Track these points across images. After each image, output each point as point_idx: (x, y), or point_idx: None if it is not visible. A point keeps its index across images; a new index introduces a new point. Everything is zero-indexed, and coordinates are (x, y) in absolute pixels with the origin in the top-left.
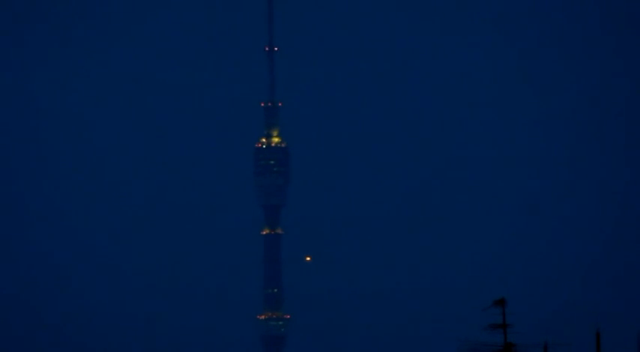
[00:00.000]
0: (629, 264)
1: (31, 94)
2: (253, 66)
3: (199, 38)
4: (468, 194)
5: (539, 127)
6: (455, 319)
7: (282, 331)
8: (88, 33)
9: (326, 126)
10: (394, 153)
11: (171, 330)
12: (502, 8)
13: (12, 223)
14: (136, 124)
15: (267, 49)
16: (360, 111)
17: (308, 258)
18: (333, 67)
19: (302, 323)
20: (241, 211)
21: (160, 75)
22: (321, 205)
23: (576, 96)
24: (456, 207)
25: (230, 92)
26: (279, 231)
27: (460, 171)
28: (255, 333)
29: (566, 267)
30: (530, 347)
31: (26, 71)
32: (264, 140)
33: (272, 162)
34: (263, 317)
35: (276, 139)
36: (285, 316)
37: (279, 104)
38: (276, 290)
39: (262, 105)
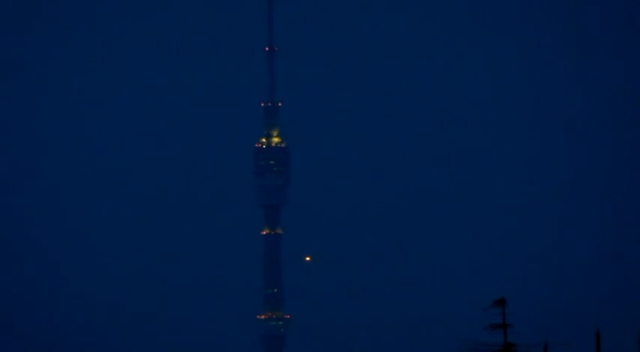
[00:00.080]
0: (629, 263)
1: (31, 94)
2: (253, 66)
3: (199, 38)
4: (468, 194)
5: (539, 127)
6: (455, 319)
7: (282, 331)
8: (87, 33)
9: (326, 126)
10: (394, 153)
11: (170, 330)
12: (502, 8)
13: (12, 223)
14: (136, 124)
15: (267, 49)
16: (360, 111)
17: (308, 258)
18: (333, 67)
19: (302, 323)
20: (241, 211)
21: (159, 75)
22: (321, 205)
23: (576, 96)
24: (456, 206)
25: (230, 92)
26: (279, 231)
27: (460, 171)
28: (255, 333)
29: (566, 267)
30: (530, 347)
31: (26, 71)
32: (264, 140)
33: (272, 162)
34: (263, 317)
35: (276, 139)
36: (285, 316)
37: (279, 104)
38: (276, 290)
39: (262, 105)
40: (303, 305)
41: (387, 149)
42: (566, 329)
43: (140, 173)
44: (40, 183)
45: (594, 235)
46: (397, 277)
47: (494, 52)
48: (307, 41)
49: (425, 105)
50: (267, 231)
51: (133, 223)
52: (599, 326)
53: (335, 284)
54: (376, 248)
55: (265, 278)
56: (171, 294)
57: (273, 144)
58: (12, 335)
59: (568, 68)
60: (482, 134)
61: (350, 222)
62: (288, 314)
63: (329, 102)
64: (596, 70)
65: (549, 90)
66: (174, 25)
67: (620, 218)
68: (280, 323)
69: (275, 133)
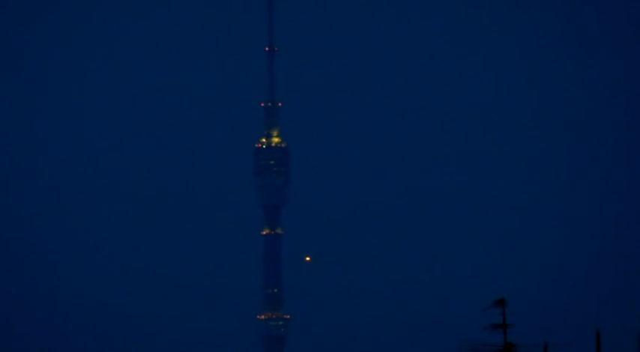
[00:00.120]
0: (629, 263)
1: (31, 94)
2: (253, 66)
3: (199, 38)
4: (468, 194)
5: (539, 127)
6: (455, 319)
7: (282, 331)
8: (87, 33)
9: (326, 126)
10: (394, 153)
11: (171, 330)
12: (502, 9)
13: (12, 223)
14: (136, 124)
15: (267, 49)
16: (360, 111)
17: (308, 258)
18: (333, 67)
19: (302, 323)
20: (241, 211)
21: (159, 75)
22: (321, 205)
23: (576, 96)
24: (456, 206)
25: (230, 92)
26: (279, 231)
27: (460, 171)
28: (255, 333)
29: (566, 267)
30: (530, 347)
31: (26, 71)
32: (264, 140)
33: (272, 162)
34: (263, 317)
35: (276, 139)
36: (285, 316)
37: (279, 104)
38: (276, 290)
39: (262, 105)
40: (303, 305)
41: (387, 149)
42: (566, 329)
43: (140, 173)
44: (40, 183)
45: (594, 235)
46: (397, 277)
47: (494, 52)
48: (307, 41)
49: (425, 105)
50: (267, 231)
51: (133, 223)
52: (599, 326)
53: (335, 284)
54: (376, 248)
55: (265, 278)
56: (171, 294)
57: (273, 144)
58: (12, 335)
59: (568, 68)
60: (482, 134)
61: (350, 222)
62: (288, 314)
63: (329, 102)
64: (596, 70)
65: (549, 90)
66: (174, 25)
67: (620, 218)
68: (280, 323)
69: (275, 133)
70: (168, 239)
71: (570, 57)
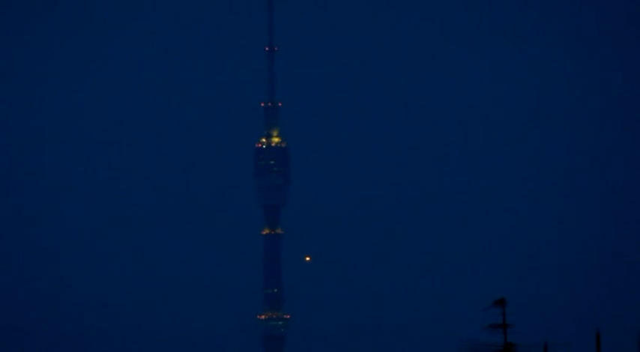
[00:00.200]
0: (629, 263)
1: (31, 93)
2: (253, 66)
3: (199, 38)
4: (468, 194)
5: (539, 127)
6: (455, 319)
7: (282, 331)
8: (87, 33)
9: (326, 126)
10: (394, 153)
11: (171, 330)
12: (502, 9)
13: (12, 223)
14: (136, 124)
15: (267, 49)
16: (359, 111)
17: (308, 258)
18: (333, 67)
19: (302, 323)
20: (241, 211)
21: (159, 75)
22: (321, 205)
23: (576, 96)
24: (455, 206)
25: (230, 92)
26: (279, 231)
27: (460, 171)
28: (255, 333)
29: (566, 267)
30: (530, 347)
31: (26, 71)
32: (264, 140)
33: (272, 162)
34: (263, 317)
35: (276, 139)
36: (285, 316)
37: (279, 104)
38: (276, 290)
39: (262, 105)
40: (303, 305)
41: (387, 149)
42: (566, 329)
43: (140, 173)
44: (40, 183)
45: (594, 235)
46: (397, 277)
47: (494, 52)
48: (307, 41)
49: (425, 105)
50: (267, 231)
51: (134, 223)
52: (599, 326)
53: (335, 285)
54: (376, 248)
55: (265, 278)
56: (172, 294)
57: (273, 144)
58: (12, 335)
59: (568, 68)
60: (482, 134)
61: (350, 222)
62: (288, 314)
63: (329, 102)
64: (596, 70)
65: (549, 90)
66: (174, 25)
67: (620, 218)
68: (280, 323)
69: (275, 133)
70: (168, 239)
71: (570, 57)
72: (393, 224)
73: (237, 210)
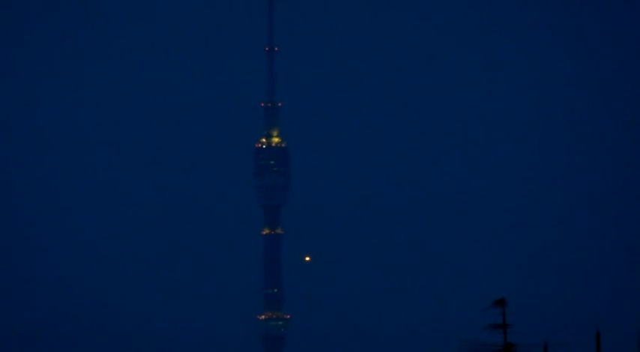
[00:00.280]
0: (630, 264)
1: (31, 94)
2: (253, 66)
3: (199, 38)
4: (468, 194)
5: (539, 127)
6: (455, 319)
7: (282, 331)
8: (87, 33)
9: (326, 126)
10: (394, 154)
11: (171, 330)
12: (501, 8)
13: (12, 223)
14: (136, 124)
15: (267, 49)
16: (359, 111)
17: (308, 258)
18: (333, 67)
19: (302, 323)
20: (241, 211)
21: (159, 75)
22: (321, 205)
23: (576, 96)
24: (456, 207)
25: (230, 92)
26: (279, 231)
27: (460, 171)
28: (255, 333)
29: (566, 267)
30: (530, 347)
31: (26, 71)
32: (264, 140)
33: (272, 162)
34: (263, 317)
35: (276, 139)
36: (285, 316)
37: (279, 104)
38: (276, 290)
39: (262, 105)
40: (303, 305)
41: (387, 149)
42: (566, 329)
43: (140, 173)
44: (40, 183)
45: (594, 235)
46: (397, 277)
47: (494, 51)
48: (307, 41)
49: (425, 105)
50: (267, 231)
51: (133, 223)
52: (599, 326)
53: (335, 285)
54: (376, 248)
55: (265, 278)
56: (172, 294)
57: (273, 144)
58: (12, 335)
59: (568, 68)
60: (482, 134)
61: (350, 222)
62: (288, 314)
63: (329, 102)
64: (596, 70)
65: (549, 89)
66: (174, 25)
67: (620, 218)
68: (280, 323)
69: (275, 133)
70: (168, 239)
71: (570, 57)
72: (393, 224)
73: (237, 210)
